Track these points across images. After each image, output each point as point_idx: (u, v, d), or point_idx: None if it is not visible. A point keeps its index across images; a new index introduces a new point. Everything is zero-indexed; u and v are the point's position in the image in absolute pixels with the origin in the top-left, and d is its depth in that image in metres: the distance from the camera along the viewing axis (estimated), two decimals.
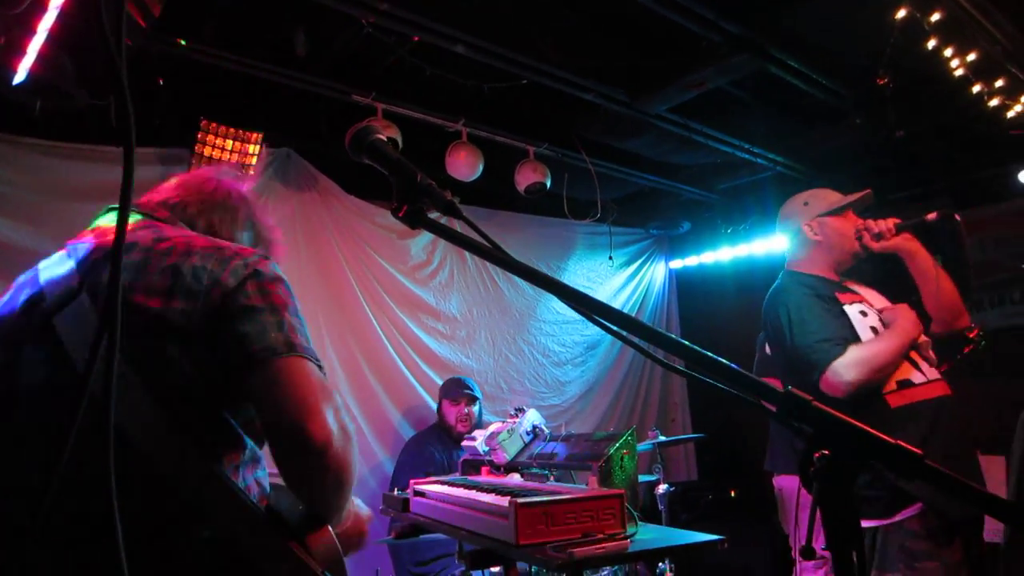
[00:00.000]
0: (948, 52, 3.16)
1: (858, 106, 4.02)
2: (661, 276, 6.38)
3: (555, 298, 0.97)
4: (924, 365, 2.24)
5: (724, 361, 0.81)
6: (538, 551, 1.32)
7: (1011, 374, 4.48)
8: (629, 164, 4.90)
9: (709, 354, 0.82)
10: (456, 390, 4.21)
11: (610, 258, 5.80)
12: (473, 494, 1.64)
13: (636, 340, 0.88)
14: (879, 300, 2.43)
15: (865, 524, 1.98)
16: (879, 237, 2.42)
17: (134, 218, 1.37)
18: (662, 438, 3.65)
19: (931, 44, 3.11)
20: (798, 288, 2.38)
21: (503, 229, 5.23)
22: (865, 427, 0.74)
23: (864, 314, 2.30)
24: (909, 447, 0.73)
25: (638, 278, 6.16)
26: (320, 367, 1.25)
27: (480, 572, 3.00)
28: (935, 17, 2.95)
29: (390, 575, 3.00)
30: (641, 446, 3.61)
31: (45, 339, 1.19)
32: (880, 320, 2.29)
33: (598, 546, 1.32)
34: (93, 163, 3.51)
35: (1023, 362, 4.54)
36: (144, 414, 1.12)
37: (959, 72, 3.28)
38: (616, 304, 5.92)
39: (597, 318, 0.90)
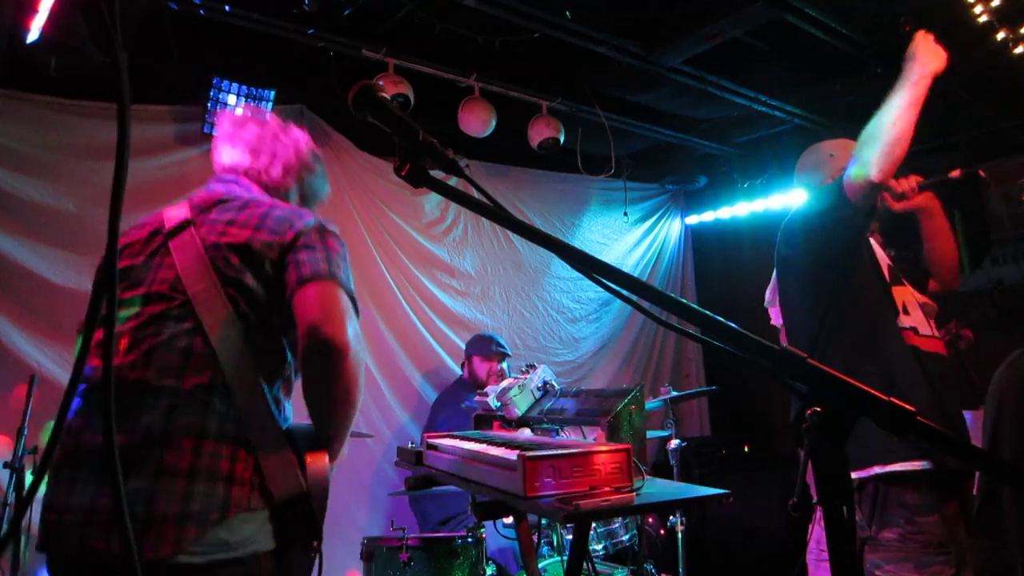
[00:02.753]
0: None
1: (878, 55, 3.92)
2: (677, 232, 6.34)
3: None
4: (932, 324, 2.23)
5: (719, 318, 0.82)
6: (545, 503, 1.35)
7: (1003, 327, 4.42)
8: (644, 118, 4.83)
9: (705, 311, 0.83)
10: (488, 347, 4.27)
11: (625, 214, 5.76)
12: (484, 448, 1.67)
13: (632, 296, 0.89)
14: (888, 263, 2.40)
15: (864, 473, 2.01)
16: (901, 197, 2.37)
17: (225, 184, 1.77)
18: (674, 393, 3.68)
19: None
20: None
21: (516, 185, 5.21)
22: (858, 384, 0.75)
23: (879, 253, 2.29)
24: (902, 404, 0.73)
25: (653, 234, 6.12)
26: (354, 301, 1.56)
27: (493, 523, 3.08)
28: None
29: (406, 524, 3.09)
30: (652, 403, 3.65)
31: (164, 254, 1.59)
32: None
33: (604, 499, 1.35)
34: (107, 121, 3.53)
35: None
36: (224, 322, 1.49)
37: (983, 18, 3.18)
38: (631, 260, 5.91)
39: (596, 276, 0.91)
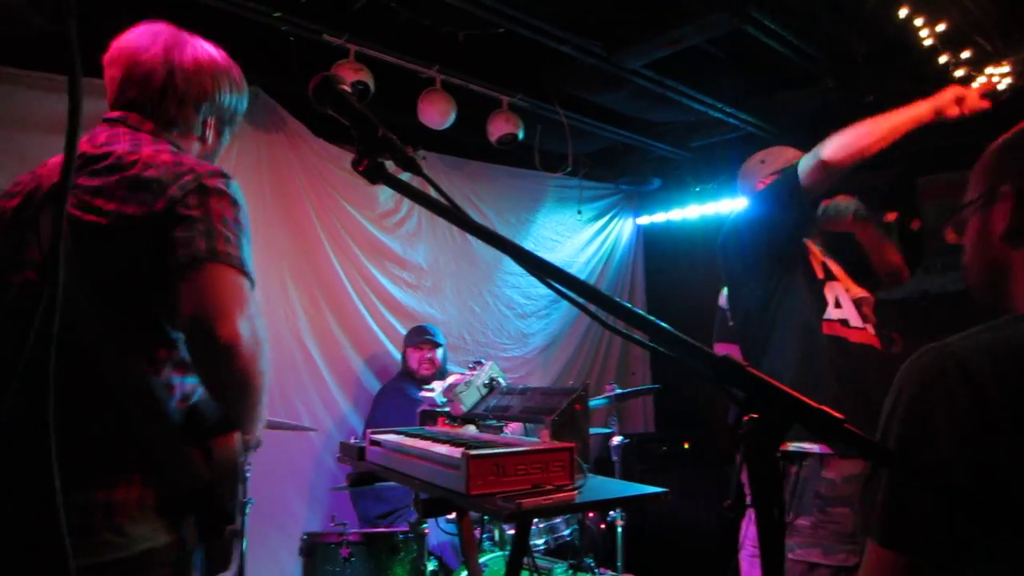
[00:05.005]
0: (919, 21, 3.18)
1: (830, 70, 4.03)
2: (629, 232, 6.41)
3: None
4: (863, 317, 2.37)
5: (665, 325, 0.83)
6: (488, 501, 1.36)
7: (938, 334, 4.64)
8: (602, 118, 4.87)
9: (651, 317, 0.84)
10: (417, 336, 4.29)
11: (579, 212, 5.81)
12: (428, 444, 1.68)
13: (580, 300, 0.90)
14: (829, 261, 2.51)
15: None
16: (839, 216, 2.51)
17: (111, 127, 1.50)
18: (618, 390, 3.74)
19: (903, 12, 3.12)
20: None
21: (472, 179, 5.20)
22: (791, 391, 0.78)
23: (815, 253, 2.43)
24: (831, 411, 0.77)
25: (606, 233, 6.18)
26: (247, 275, 1.38)
27: (436, 521, 3.09)
28: None
29: (347, 519, 3.07)
30: (596, 400, 3.69)
31: (33, 229, 1.37)
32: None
33: (546, 497, 1.37)
34: (50, 92, 3.39)
35: (967, 324, 4.70)
36: (81, 303, 1.28)
37: (928, 42, 3.31)
38: (583, 258, 5.97)
39: (549, 281, 0.92)
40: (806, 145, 2.62)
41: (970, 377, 0.93)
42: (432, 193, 1.01)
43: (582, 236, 5.99)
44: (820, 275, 2.39)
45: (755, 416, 0.78)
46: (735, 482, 0.80)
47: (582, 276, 5.95)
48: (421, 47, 3.91)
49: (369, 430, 2.00)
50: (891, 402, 0.99)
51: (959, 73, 3.54)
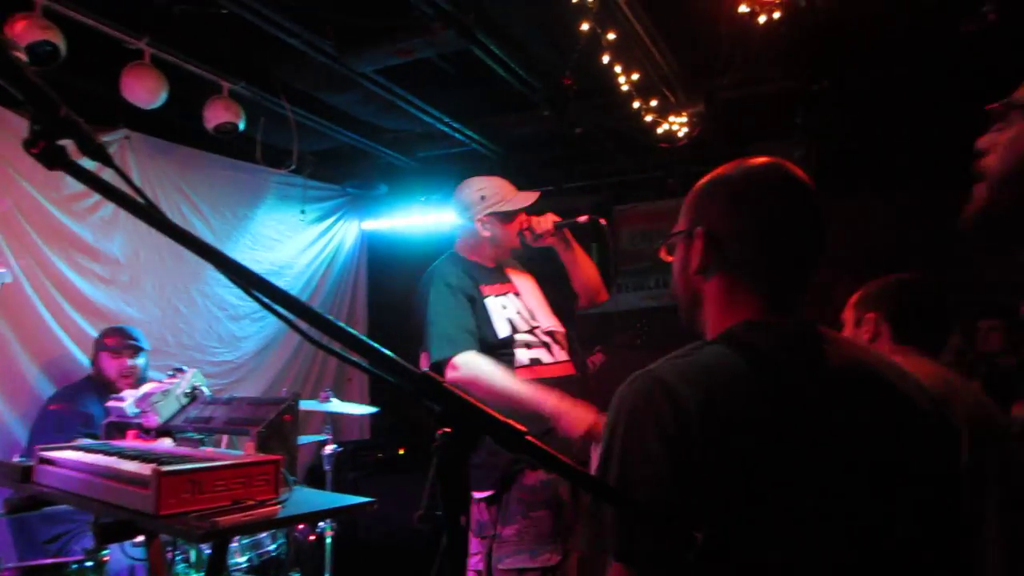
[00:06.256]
0: (618, 68, 3.62)
1: (547, 100, 4.41)
2: (353, 236, 6.37)
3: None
4: (556, 349, 2.63)
5: (368, 340, 0.85)
6: (180, 521, 1.27)
7: (636, 346, 5.43)
8: (332, 118, 4.79)
9: (356, 333, 0.85)
10: (117, 340, 3.74)
11: (303, 212, 5.63)
12: (113, 461, 1.51)
13: (290, 316, 0.88)
14: (529, 287, 2.76)
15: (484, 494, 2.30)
16: (538, 237, 2.74)
17: None
18: (335, 400, 3.68)
19: (606, 59, 3.53)
20: (451, 273, 2.63)
21: (184, 166, 4.77)
22: (482, 407, 0.84)
23: (504, 307, 2.61)
24: (516, 425, 0.84)
25: (330, 235, 6.07)
26: None
27: (120, 545, 2.76)
28: (611, 36, 3.35)
29: (1, 553, 2.61)
30: (307, 403, 3.57)
31: None
32: (521, 312, 2.61)
33: (246, 513, 1.31)
34: None
35: (650, 335, 5.50)
36: None
37: (625, 87, 3.78)
38: (305, 259, 5.80)
39: (256, 294, 0.88)
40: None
41: (672, 396, 1.04)
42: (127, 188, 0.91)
43: (304, 237, 5.80)
44: (504, 333, 2.55)
45: (448, 430, 0.83)
46: (428, 493, 0.84)
47: (304, 278, 5.81)
48: (128, 14, 3.51)
49: (38, 447, 1.74)
50: (611, 424, 1.09)
51: (649, 118, 4.10)
